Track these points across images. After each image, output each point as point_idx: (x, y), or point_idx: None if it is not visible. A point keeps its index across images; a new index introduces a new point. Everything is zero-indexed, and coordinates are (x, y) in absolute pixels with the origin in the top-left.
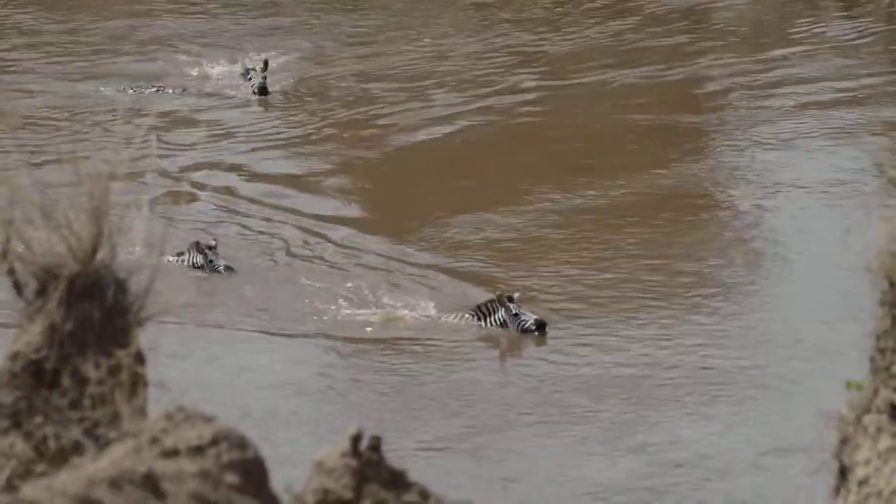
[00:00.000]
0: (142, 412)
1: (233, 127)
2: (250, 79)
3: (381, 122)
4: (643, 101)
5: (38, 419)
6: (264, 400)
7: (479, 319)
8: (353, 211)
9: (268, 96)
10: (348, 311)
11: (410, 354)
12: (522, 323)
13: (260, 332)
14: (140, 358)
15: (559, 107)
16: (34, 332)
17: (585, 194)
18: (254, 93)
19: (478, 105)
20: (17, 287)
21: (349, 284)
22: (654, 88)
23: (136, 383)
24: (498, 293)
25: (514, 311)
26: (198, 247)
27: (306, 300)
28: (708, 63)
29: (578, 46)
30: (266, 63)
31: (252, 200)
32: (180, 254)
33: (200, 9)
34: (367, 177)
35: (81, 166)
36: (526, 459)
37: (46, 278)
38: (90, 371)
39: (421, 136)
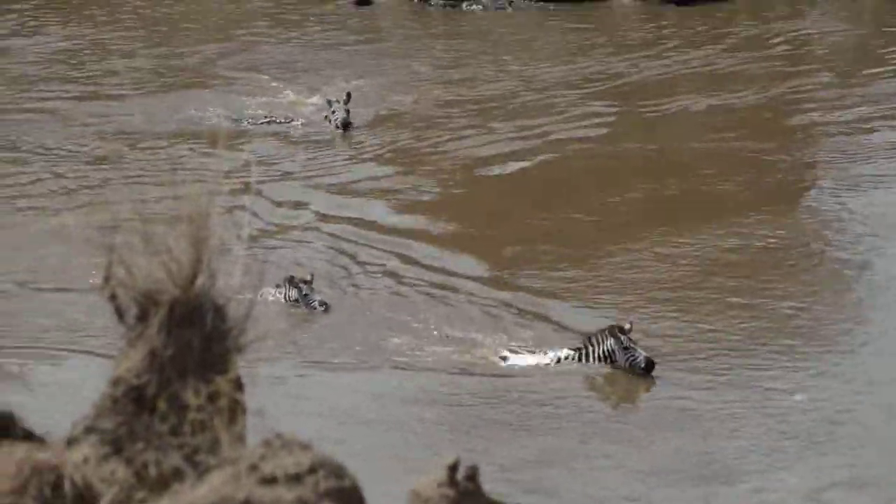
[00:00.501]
0: (240, 439)
1: (325, 157)
2: (334, 111)
3: (453, 152)
4: (731, 132)
5: (139, 445)
6: (330, 429)
7: (586, 352)
8: (439, 242)
9: (351, 129)
10: (428, 344)
11: (480, 385)
12: (632, 359)
13: (333, 363)
14: (239, 384)
15: (638, 136)
16: (135, 358)
17: (672, 234)
18: (336, 127)
19: (555, 136)
20: (119, 313)
21: (433, 316)
22: (743, 119)
23: (235, 410)
24: (610, 324)
25: (625, 344)
26: (293, 281)
27: (387, 331)
28: (804, 93)
29: (670, 73)
30: (349, 95)
31: (342, 232)
32: (278, 286)
33: (296, 35)
34: (450, 208)
35: (182, 192)
36: (585, 488)
37: (147, 304)
38: (190, 397)
39: (493, 168)
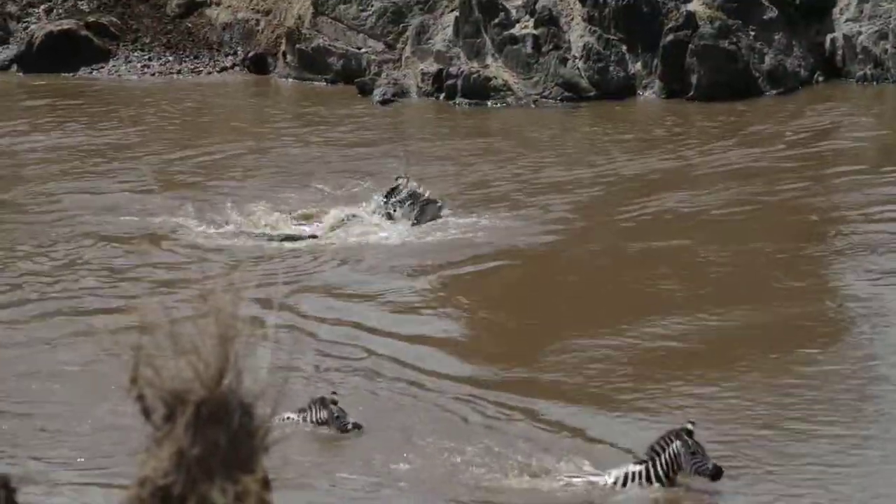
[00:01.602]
0: None
1: (352, 263)
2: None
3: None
4: (746, 231)
5: None
6: None
7: (653, 464)
8: (464, 357)
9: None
10: (479, 474)
11: None
12: (699, 465)
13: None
14: (266, 484)
15: (568, 242)
16: (162, 458)
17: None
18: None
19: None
20: (146, 412)
21: (480, 442)
22: (761, 216)
23: None
24: (675, 427)
25: (692, 449)
26: (323, 402)
27: (428, 459)
28: (824, 190)
29: (685, 171)
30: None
31: (345, 337)
32: (302, 410)
33: (320, 133)
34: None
35: (209, 292)
36: None
37: (174, 403)
38: (217, 497)
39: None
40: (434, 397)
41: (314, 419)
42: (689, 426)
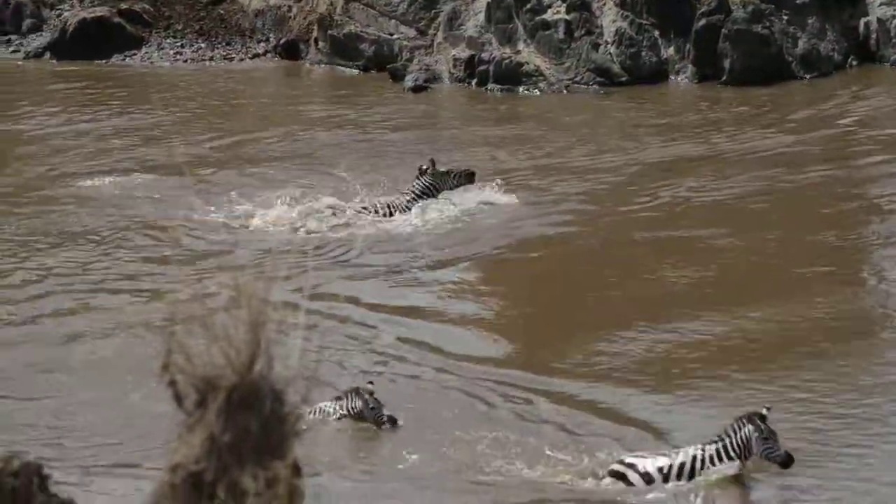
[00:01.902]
0: None
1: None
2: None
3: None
4: (774, 217)
5: None
6: None
7: (724, 445)
8: (492, 346)
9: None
10: (511, 468)
11: None
12: (770, 451)
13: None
14: (297, 470)
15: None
16: (194, 444)
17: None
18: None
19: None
20: (178, 398)
21: (518, 436)
22: (791, 203)
23: (293, 495)
24: (749, 411)
25: (764, 434)
26: (358, 392)
27: (462, 452)
28: (856, 175)
29: (715, 156)
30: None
31: (379, 321)
32: (338, 398)
33: (350, 120)
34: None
35: (240, 278)
36: None
37: (206, 389)
38: (248, 483)
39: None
40: (455, 380)
41: (348, 409)
42: (763, 411)
